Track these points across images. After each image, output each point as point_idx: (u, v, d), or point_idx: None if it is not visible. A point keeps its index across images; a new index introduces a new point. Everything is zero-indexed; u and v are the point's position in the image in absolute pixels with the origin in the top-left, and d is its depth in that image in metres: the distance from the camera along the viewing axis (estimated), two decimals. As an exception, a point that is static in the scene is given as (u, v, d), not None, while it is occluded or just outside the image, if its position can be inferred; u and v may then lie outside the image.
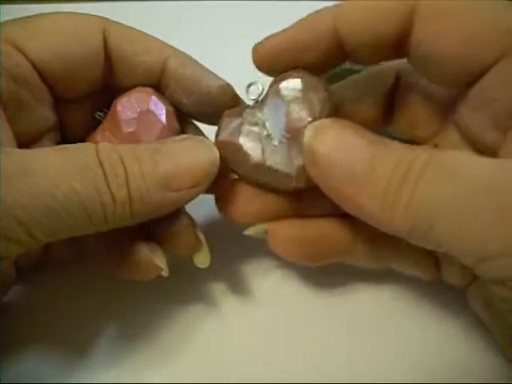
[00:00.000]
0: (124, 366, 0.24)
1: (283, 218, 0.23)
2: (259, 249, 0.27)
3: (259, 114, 0.22)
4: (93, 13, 0.22)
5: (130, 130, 0.22)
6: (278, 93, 0.22)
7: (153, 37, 0.23)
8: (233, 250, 0.28)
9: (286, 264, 0.27)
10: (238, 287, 0.27)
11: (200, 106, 0.23)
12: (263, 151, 0.22)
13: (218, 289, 0.27)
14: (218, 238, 0.27)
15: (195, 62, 0.23)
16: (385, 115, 0.25)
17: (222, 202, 0.23)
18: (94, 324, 0.25)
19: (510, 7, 0.19)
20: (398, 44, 0.20)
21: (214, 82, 0.23)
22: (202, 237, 0.22)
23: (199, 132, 0.25)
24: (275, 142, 0.22)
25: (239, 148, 0.22)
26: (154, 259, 0.22)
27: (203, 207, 0.25)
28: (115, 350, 0.24)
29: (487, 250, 0.16)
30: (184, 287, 0.26)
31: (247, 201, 0.23)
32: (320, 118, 0.21)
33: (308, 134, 0.20)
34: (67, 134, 0.24)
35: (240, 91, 0.24)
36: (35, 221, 0.17)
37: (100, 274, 0.26)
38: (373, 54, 0.21)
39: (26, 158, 0.17)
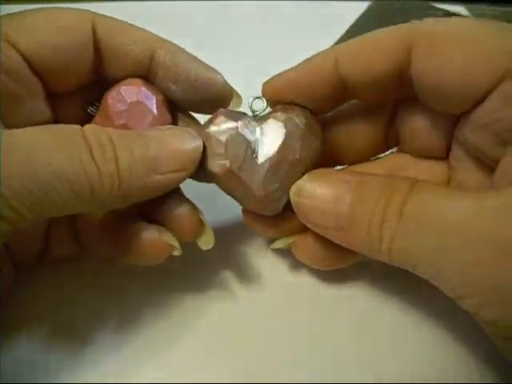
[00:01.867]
0: (126, 356, 0.23)
1: (306, 229, 0.23)
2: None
3: (257, 129, 0.22)
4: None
5: (122, 121, 0.22)
6: (282, 120, 0.22)
7: (141, 28, 0.23)
8: (234, 236, 0.28)
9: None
10: (242, 273, 0.27)
11: (188, 93, 0.23)
12: (242, 163, 0.22)
13: (222, 275, 0.27)
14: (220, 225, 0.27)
15: (183, 50, 0.23)
16: (385, 142, 0.25)
17: (248, 218, 0.24)
18: (94, 315, 0.25)
19: (506, 28, 0.19)
20: (399, 80, 0.21)
21: (203, 69, 0.23)
22: (204, 219, 0.23)
23: (192, 118, 0.25)
24: (258, 161, 0.22)
25: (223, 149, 0.22)
26: (166, 239, 0.22)
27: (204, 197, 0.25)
28: (116, 340, 0.24)
29: (463, 292, 0.18)
30: (186, 275, 0.26)
31: (275, 220, 0.24)
32: (306, 161, 0.22)
33: (292, 193, 0.22)
34: None
35: (242, 91, 0.24)
36: (19, 196, 0.17)
37: (99, 267, 0.26)
38: (375, 92, 0.22)
39: (10, 134, 0.18)
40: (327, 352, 0.24)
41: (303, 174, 0.22)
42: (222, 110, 0.23)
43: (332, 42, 0.40)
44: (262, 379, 0.23)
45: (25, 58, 0.21)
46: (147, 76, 0.23)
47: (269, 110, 0.23)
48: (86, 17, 0.22)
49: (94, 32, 0.22)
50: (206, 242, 0.23)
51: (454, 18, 0.21)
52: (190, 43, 0.25)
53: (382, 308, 0.25)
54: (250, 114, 0.23)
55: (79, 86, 0.23)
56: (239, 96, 0.24)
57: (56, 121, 0.23)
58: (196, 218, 0.22)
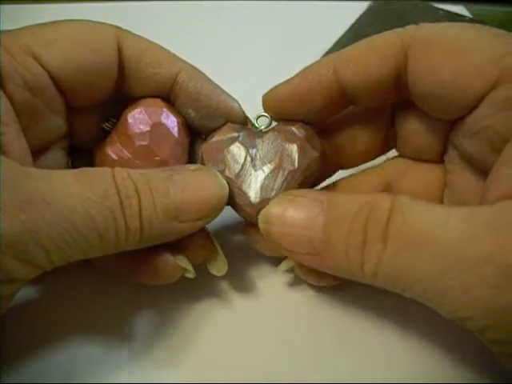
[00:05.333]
0: (133, 365, 0.23)
1: None
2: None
3: (257, 140, 0.23)
4: (95, 13, 0.22)
5: (144, 143, 0.22)
6: (282, 131, 0.23)
7: (165, 49, 0.23)
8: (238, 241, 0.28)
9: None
10: (245, 281, 0.27)
11: (207, 120, 0.24)
12: (241, 170, 0.22)
13: (225, 283, 0.26)
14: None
15: (206, 76, 0.24)
16: (386, 147, 0.26)
17: (251, 238, 0.24)
18: (100, 326, 0.25)
19: (499, 35, 0.20)
20: (396, 85, 0.21)
21: (224, 98, 0.23)
22: (217, 245, 0.23)
23: None
24: (256, 169, 0.22)
25: (222, 157, 0.23)
26: (179, 262, 0.22)
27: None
28: (121, 350, 0.24)
29: (465, 314, 0.17)
30: (190, 284, 0.26)
31: None
32: (304, 171, 0.22)
33: (260, 220, 0.21)
34: (74, 140, 0.24)
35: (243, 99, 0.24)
36: (56, 247, 0.17)
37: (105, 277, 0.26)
38: (373, 97, 0.22)
39: (47, 183, 0.18)
40: (325, 361, 0.23)
41: (301, 185, 0.22)
42: (228, 123, 0.24)
43: (332, 42, 0.40)
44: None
45: (50, 75, 0.20)
46: (168, 98, 0.23)
47: (273, 125, 0.24)
48: (111, 32, 0.22)
49: (120, 51, 0.22)
50: (219, 269, 0.23)
51: (448, 24, 0.21)
52: (188, 44, 0.25)
53: (381, 319, 0.25)
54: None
55: (99, 102, 0.23)
56: (252, 122, 0.25)
57: (71, 132, 0.23)
58: (209, 243, 0.23)
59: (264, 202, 0.22)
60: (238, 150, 0.23)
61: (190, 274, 0.22)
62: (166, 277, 0.22)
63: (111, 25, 0.22)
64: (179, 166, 0.22)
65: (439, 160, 0.24)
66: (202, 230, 0.22)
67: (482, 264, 0.16)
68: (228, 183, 0.22)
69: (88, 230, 0.18)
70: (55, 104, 0.21)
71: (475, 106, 0.20)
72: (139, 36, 0.23)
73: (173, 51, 0.24)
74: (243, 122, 0.24)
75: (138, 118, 0.22)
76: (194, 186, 0.20)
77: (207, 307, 0.25)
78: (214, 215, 0.21)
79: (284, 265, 0.24)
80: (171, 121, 0.23)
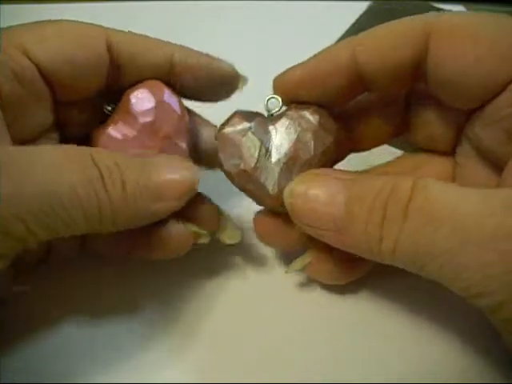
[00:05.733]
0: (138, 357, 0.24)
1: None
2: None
3: (270, 127, 0.23)
4: (95, 13, 0.23)
5: (149, 119, 0.23)
6: (295, 118, 0.23)
7: (154, 37, 0.24)
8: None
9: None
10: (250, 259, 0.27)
11: (207, 88, 0.25)
12: (257, 162, 0.22)
13: (231, 262, 0.27)
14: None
15: (198, 51, 0.24)
16: (399, 131, 0.26)
17: (261, 234, 0.24)
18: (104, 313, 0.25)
19: None
20: (415, 70, 0.21)
21: (223, 64, 0.25)
22: (225, 213, 0.24)
23: (203, 120, 0.26)
24: (272, 160, 0.22)
25: (237, 149, 0.22)
26: (191, 228, 0.23)
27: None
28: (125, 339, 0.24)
29: (480, 290, 0.17)
30: (193, 266, 0.27)
31: (285, 231, 0.24)
32: (320, 158, 0.22)
33: (286, 195, 0.21)
34: (65, 131, 0.24)
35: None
36: (35, 218, 0.17)
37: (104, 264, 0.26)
38: (390, 82, 0.22)
39: (27, 155, 0.18)
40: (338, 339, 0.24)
41: None
42: (237, 111, 0.23)
43: (332, 42, 0.39)
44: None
45: (38, 68, 0.21)
46: (167, 80, 0.24)
47: (284, 108, 0.24)
48: (101, 31, 0.22)
49: (109, 44, 0.22)
50: (231, 236, 0.23)
51: (472, 12, 0.21)
52: (188, 44, 0.25)
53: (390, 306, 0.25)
54: (265, 113, 0.24)
55: (89, 96, 0.23)
56: (245, 79, 0.26)
57: (62, 123, 0.24)
58: (217, 213, 0.24)
59: (279, 194, 0.22)
60: (252, 142, 0.23)
61: (204, 238, 0.23)
62: (177, 247, 0.23)
63: (98, 25, 0.23)
64: (155, 154, 0.23)
65: (450, 152, 0.24)
66: (208, 202, 0.23)
67: (501, 239, 0.16)
68: (245, 176, 0.22)
69: (69, 202, 0.18)
70: (42, 96, 0.21)
71: (496, 95, 0.20)
72: (126, 31, 0.23)
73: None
74: (239, 82, 0.25)
75: (140, 98, 0.23)
76: (169, 169, 0.21)
77: (217, 283, 0.26)
78: (188, 197, 0.22)
79: (296, 264, 0.24)
80: (173, 99, 0.23)
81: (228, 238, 0.24)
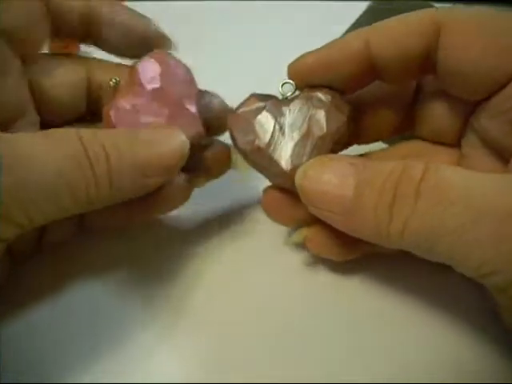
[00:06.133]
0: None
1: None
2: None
3: (283, 108, 0.23)
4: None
5: (156, 85, 0.23)
6: (308, 98, 0.23)
7: None
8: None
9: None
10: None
11: (133, 48, 0.25)
12: (271, 139, 0.23)
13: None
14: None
15: (126, 7, 0.25)
16: (402, 126, 0.26)
17: (268, 207, 0.25)
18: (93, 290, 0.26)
19: None
20: (425, 61, 0.22)
21: (147, 25, 0.25)
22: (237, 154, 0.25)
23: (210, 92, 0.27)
24: (285, 137, 0.23)
25: (251, 127, 0.23)
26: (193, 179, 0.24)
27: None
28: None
29: (491, 269, 0.17)
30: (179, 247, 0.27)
31: (292, 208, 0.24)
32: (333, 136, 0.23)
33: (297, 176, 0.22)
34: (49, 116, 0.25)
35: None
36: (33, 203, 0.18)
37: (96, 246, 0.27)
38: (401, 71, 0.23)
39: (15, 144, 0.18)
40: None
41: (331, 150, 0.23)
42: (253, 93, 0.24)
43: (332, 42, 0.39)
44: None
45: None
46: (89, 32, 0.24)
47: (298, 93, 0.24)
48: None
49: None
50: (245, 166, 0.24)
51: (484, 7, 0.21)
52: (188, 44, 0.25)
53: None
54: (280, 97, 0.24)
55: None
56: (169, 39, 0.26)
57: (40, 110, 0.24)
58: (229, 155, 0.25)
59: (296, 169, 0.22)
60: (266, 120, 0.23)
61: (202, 183, 0.25)
62: (178, 200, 0.24)
63: None
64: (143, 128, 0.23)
65: (456, 143, 0.25)
66: (223, 147, 0.25)
67: (479, 214, 0.17)
68: (259, 153, 0.23)
69: (59, 188, 0.18)
70: (10, 65, 0.22)
71: (503, 86, 0.20)
72: None
73: (173, 51, 0.25)
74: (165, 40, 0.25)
75: (146, 66, 0.23)
76: (158, 142, 0.21)
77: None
78: (176, 171, 0.22)
79: (295, 237, 0.24)
80: (179, 65, 0.24)
81: (245, 168, 0.25)
